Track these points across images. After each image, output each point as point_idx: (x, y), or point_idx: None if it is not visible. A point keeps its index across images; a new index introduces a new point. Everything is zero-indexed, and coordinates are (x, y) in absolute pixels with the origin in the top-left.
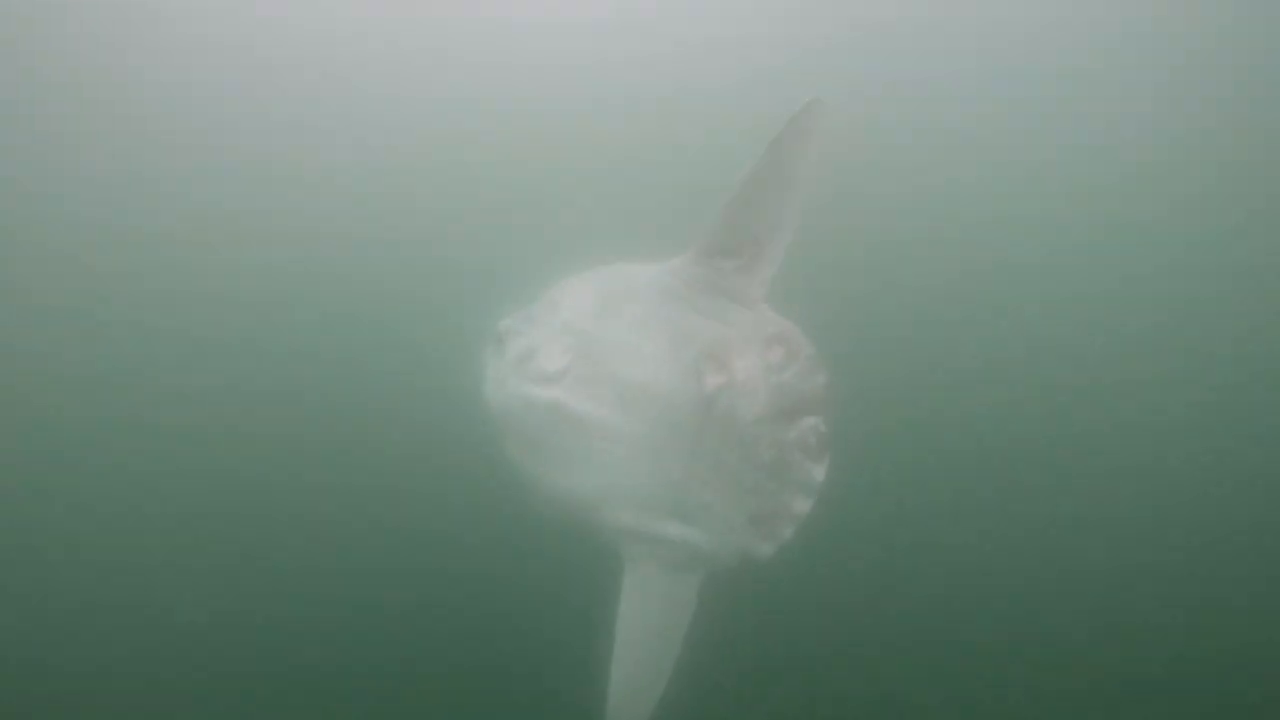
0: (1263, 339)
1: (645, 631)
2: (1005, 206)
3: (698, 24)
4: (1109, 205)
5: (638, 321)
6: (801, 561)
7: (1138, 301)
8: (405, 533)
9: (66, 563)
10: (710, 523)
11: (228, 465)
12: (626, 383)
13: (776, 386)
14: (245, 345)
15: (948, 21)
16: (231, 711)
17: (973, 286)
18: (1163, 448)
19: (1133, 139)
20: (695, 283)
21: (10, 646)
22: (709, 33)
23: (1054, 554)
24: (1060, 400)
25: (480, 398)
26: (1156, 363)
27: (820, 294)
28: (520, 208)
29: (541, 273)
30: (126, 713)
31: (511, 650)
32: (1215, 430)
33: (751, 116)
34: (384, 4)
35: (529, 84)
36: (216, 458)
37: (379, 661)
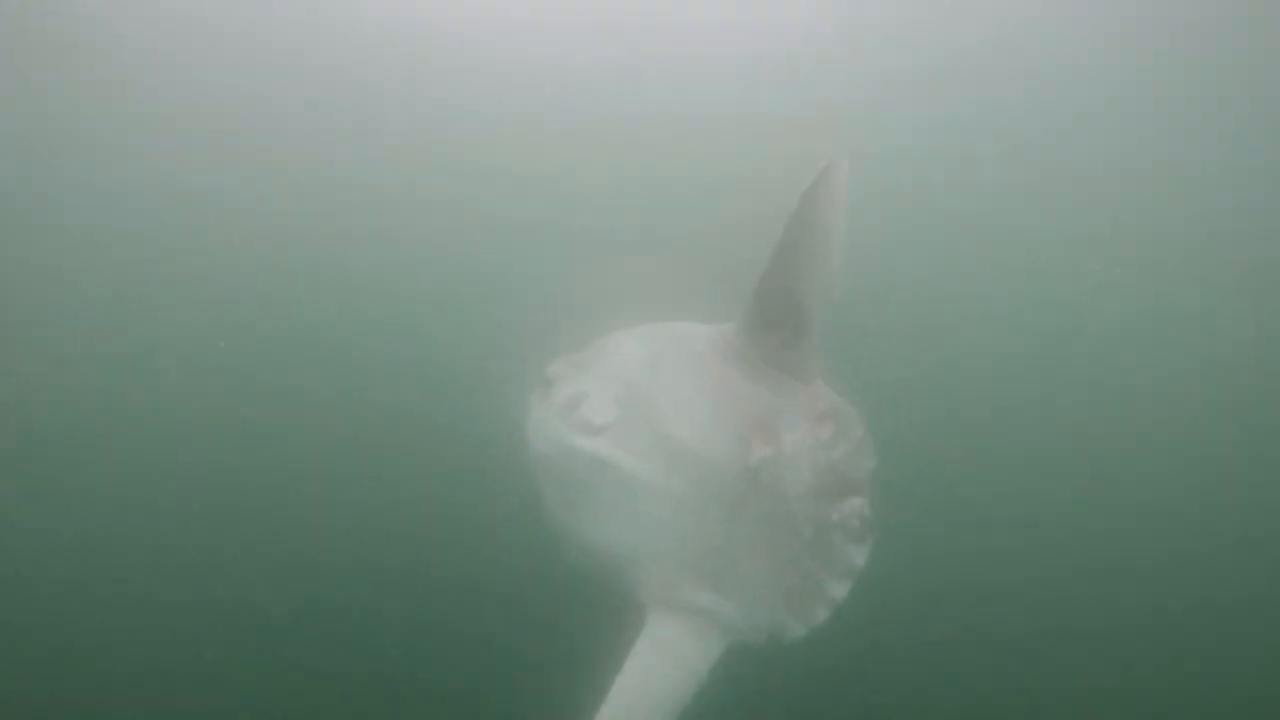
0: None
1: (647, 686)
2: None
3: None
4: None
5: (689, 381)
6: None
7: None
8: (430, 550)
9: (74, 559)
10: (743, 595)
11: (269, 484)
12: (672, 442)
13: (824, 464)
14: (290, 383)
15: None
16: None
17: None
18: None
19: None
20: (749, 350)
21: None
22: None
23: (1100, 640)
24: (1118, 489)
25: (521, 439)
26: (1215, 440)
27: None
28: (578, 242)
29: (595, 317)
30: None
31: (506, 674)
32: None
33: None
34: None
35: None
36: (262, 481)
37: (383, 674)
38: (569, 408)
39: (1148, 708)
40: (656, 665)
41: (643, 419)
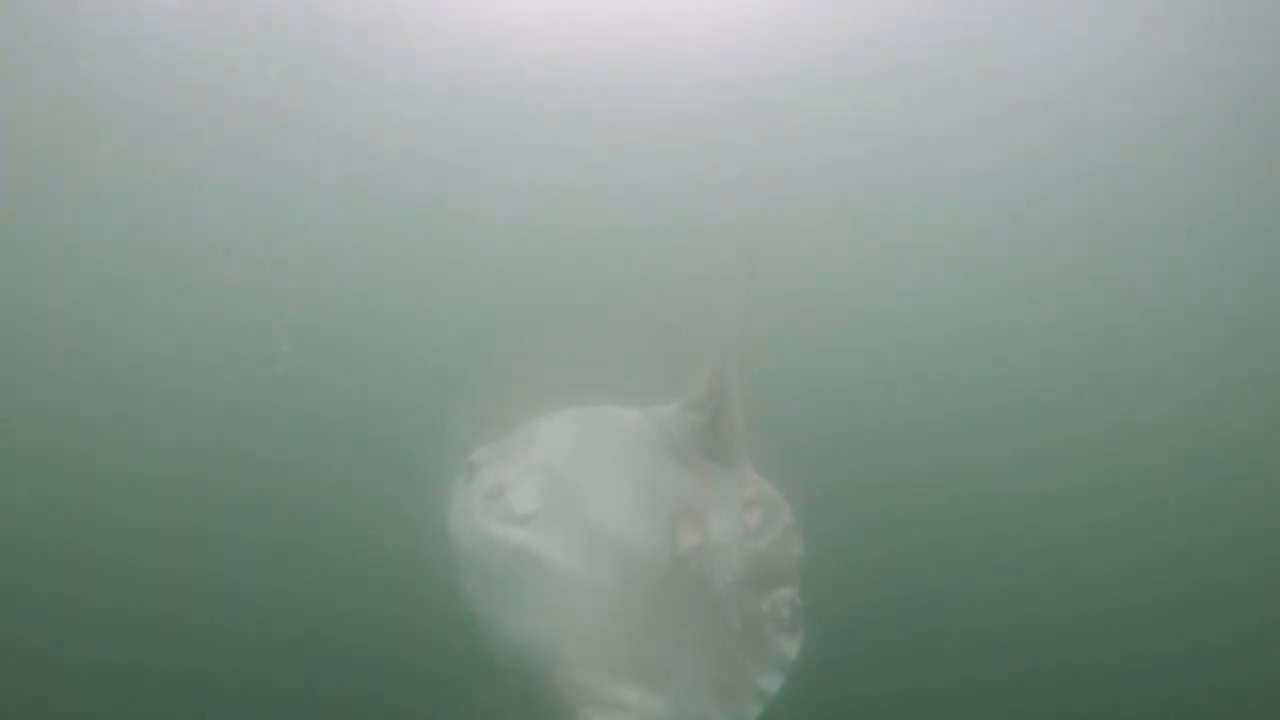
0: None
1: None
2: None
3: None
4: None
5: (616, 469)
6: None
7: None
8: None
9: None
10: (671, 690)
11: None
12: (598, 532)
13: (752, 553)
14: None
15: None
16: None
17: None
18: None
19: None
20: (677, 435)
21: None
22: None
23: None
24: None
25: (445, 527)
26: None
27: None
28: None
29: (523, 402)
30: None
31: None
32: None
33: None
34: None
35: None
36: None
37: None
38: (493, 496)
39: None
40: None
41: (568, 508)
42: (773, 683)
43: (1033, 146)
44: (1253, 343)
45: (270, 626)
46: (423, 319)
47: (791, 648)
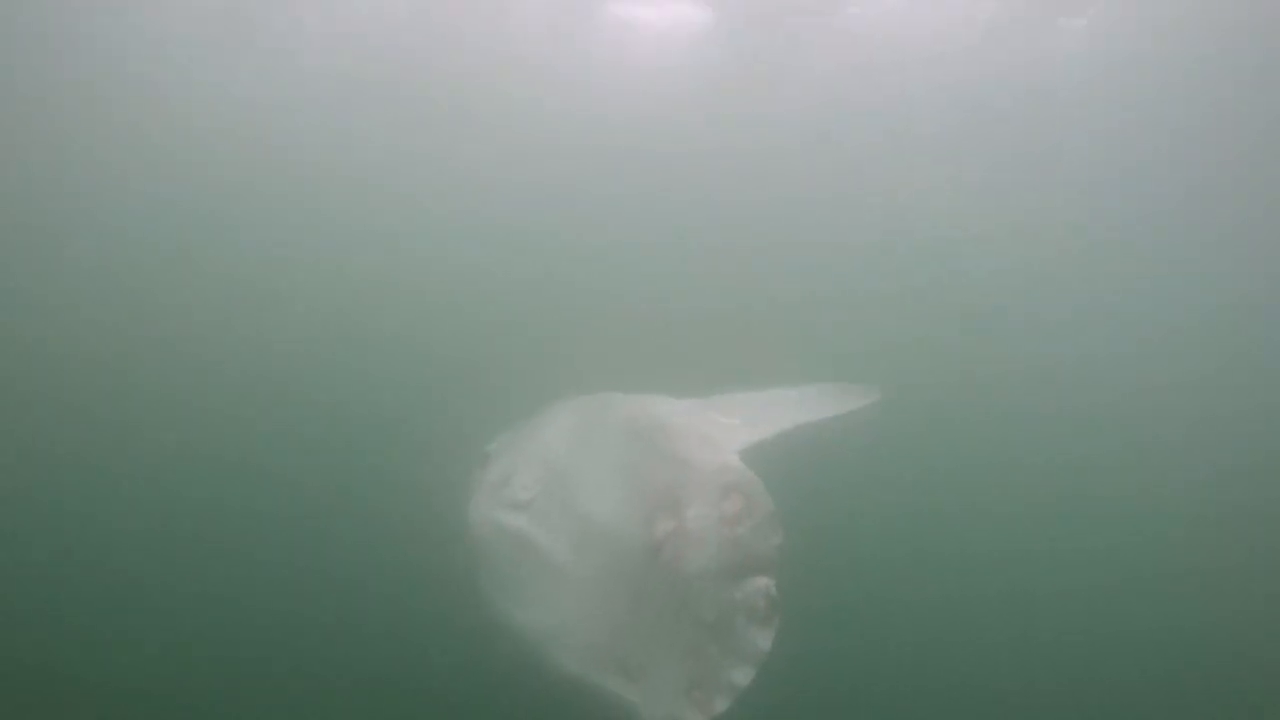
0: None
1: None
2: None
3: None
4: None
5: (605, 458)
6: None
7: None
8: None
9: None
10: (646, 680)
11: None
12: (583, 520)
13: (729, 540)
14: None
15: None
16: None
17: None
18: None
19: None
20: (668, 420)
21: None
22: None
23: None
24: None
25: (463, 515)
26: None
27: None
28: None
29: (545, 390)
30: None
31: None
32: None
33: None
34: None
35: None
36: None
37: None
38: (500, 484)
39: None
40: None
41: (560, 495)
42: (743, 676)
43: None
44: None
45: (290, 622)
46: (445, 313)
47: (764, 639)
